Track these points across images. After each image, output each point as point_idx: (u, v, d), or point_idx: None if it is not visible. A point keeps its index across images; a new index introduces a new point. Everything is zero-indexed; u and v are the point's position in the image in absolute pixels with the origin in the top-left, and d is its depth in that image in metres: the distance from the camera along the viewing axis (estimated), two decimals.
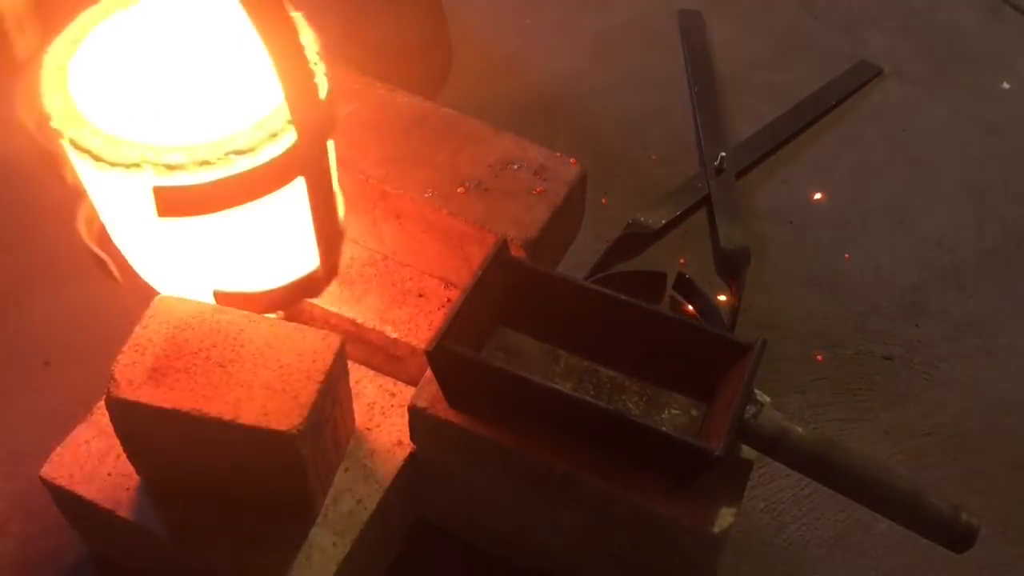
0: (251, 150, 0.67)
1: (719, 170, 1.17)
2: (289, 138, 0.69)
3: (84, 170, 0.70)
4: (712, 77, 1.31)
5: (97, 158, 0.65)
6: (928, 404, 1.00)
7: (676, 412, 0.72)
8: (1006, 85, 1.33)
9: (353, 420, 0.78)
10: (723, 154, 1.18)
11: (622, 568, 0.79)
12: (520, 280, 0.76)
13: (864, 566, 0.89)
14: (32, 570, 0.87)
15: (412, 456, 0.78)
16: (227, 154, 0.66)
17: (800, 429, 0.69)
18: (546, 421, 0.71)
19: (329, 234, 0.73)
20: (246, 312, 0.73)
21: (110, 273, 0.77)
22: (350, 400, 0.76)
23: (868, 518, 0.70)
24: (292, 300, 0.78)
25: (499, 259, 0.75)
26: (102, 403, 0.79)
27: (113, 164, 0.65)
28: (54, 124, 0.67)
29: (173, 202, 0.66)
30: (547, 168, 0.95)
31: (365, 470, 0.77)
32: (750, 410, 0.68)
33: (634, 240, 1.11)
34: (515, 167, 0.95)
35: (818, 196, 1.19)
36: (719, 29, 1.37)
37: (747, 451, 0.71)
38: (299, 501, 0.72)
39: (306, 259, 0.79)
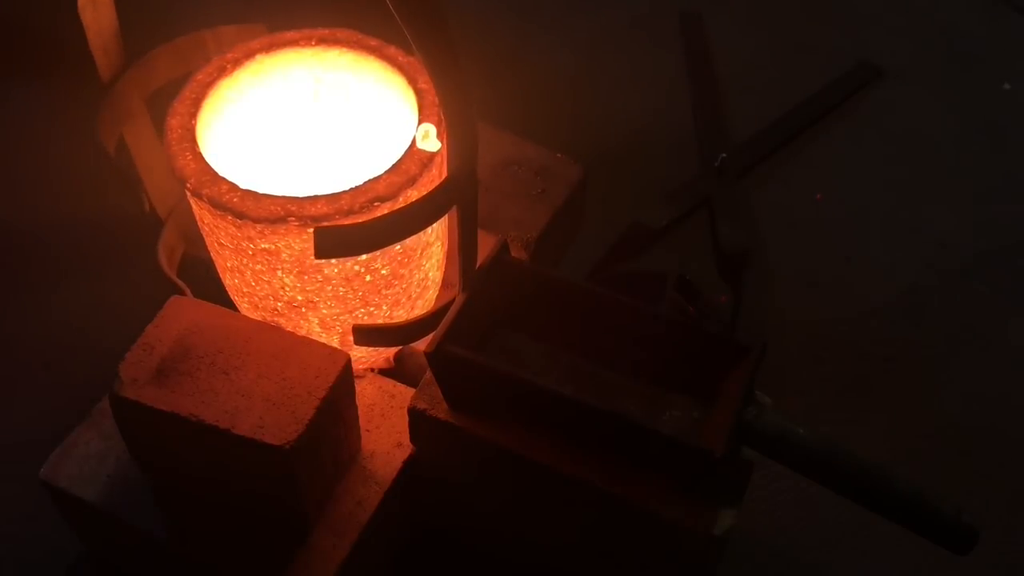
0: (392, 196, 0.68)
1: (719, 170, 1.17)
2: (424, 181, 0.70)
3: (222, 228, 0.70)
4: (712, 77, 1.31)
5: (240, 215, 0.66)
6: (929, 405, 1.00)
7: (677, 414, 0.72)
8: (1007, 86, 1.33)
9: (359, 437, 0.77)
10: (723, 154, 1.18)
11: (622, 569, 0.79)
12: (521, 281, 0.75)
13: (865, 568, 0.89)
14: (30, 571, 0.87)
15: (412, 458, 0.78)
16: (370, 201, 0.67)
17: (801, 430, 0.68)
18: (547, 423, 0.71)
19: (471, 263, 0.74)
20: (257, 320, 0.73)
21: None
22: (356, 418, 0.76)
23: (869, 519, 0.70)
24: (427, 331, 0.78)
25: (499, 260, 0.75)
26: (102, 404, 0.79)
27: (257, 220, 0.66)
28: (190, 185, 0.68)
29: (332, 243, 0.66)
30: (547, 168, 0.95)
31: (364, 472, 0.77)
32: (751, 411, 0.68)
33: (634, 241, 1.11)
34: (515, 167, 0.95)
35: (818, 196, 1.19)
36: (719, 29, 1.37)
37: (748, 452, 0.71)
38: (291, 514, 0.72)
39: (432, 291, 0.81)
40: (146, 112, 0.82)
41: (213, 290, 0.79)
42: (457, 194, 0.68)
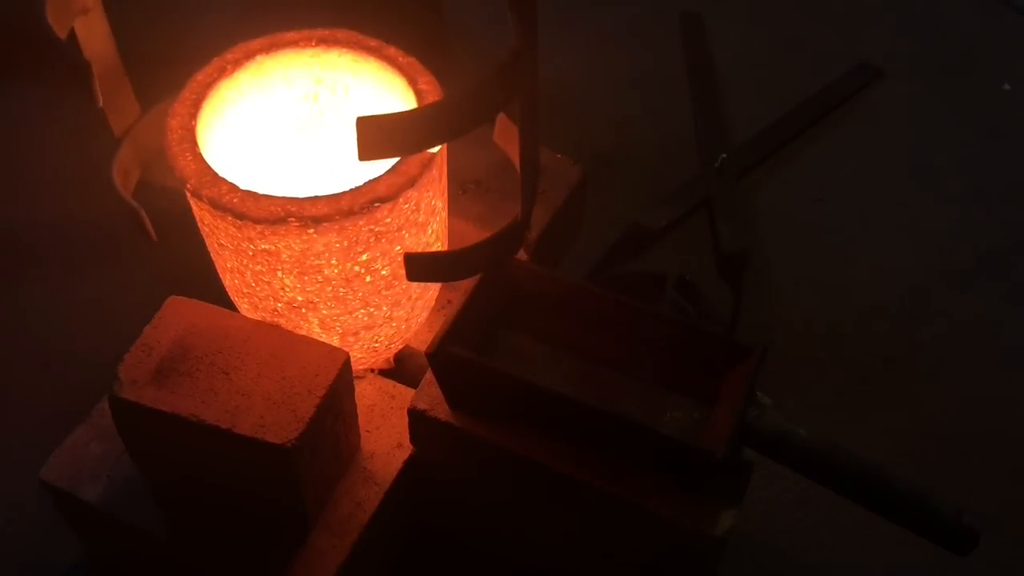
0: (393, 197, 0.67)
1: (719, 171, 1.17)
2: (424, 182, 0.68)
3: (222, 228, 0.69)
4: (712, 77, 1.31)
5: (241, 216, 0.66)
6: (929, 406, 1.00)
7: (678, 415, 0.72)
8: (1007, 86, 1.33)
9: (358, 435, 0.77)
10: (724, 155, 1.18)
11: (622, 570, 0.79)
12: (521, 282, 0.75)
13: (865, 568, 0.89)
14: (30, 571, 0.87)
15: (412, 458, 0.78)
16: (371, 202, 0.67)
17: (802, 431, 0.68)
18: (548, 424, 0.71)
19: (535, 170, 0.67)
20: (256, 319, 0.73)
21: (145, 229, 0.75)
22: (355, 415, 0.76)
23: (869, 519, 0.70)
24: (492, 259, 0.72)
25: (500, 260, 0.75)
26: (101, 405, 0.79)
27: (257, 221, 0.66)
28: (190, 186, 0.67)
29: (377, 136, 0.60)
30: (547, 169, 0.95)
31: (364, 472, 0.77)
32: (752, 412, 0.68)
33: (634, 241, 1.11)
34: (515, 169, 0.95)
35: (819, 197, 1.19)
36: (719, 29, 1.37)
37: (748, 453, 0.71)
38: (291, 514, 0.72)
39: (432, 292, 0.78)
40: (101, 8, 0.76)
41: (213, 291, 0.79)
42: (522, 81, 0.61)
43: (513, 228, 0.70)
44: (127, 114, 0.79)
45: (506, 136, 0.72)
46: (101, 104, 0.74)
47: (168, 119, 0.71)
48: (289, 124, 0.80)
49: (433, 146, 0.64)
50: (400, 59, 0.76)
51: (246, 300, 0.76)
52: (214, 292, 0.78)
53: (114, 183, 0.76)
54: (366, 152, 0.59)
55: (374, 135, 0.59)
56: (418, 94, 0.73)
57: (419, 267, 0.69)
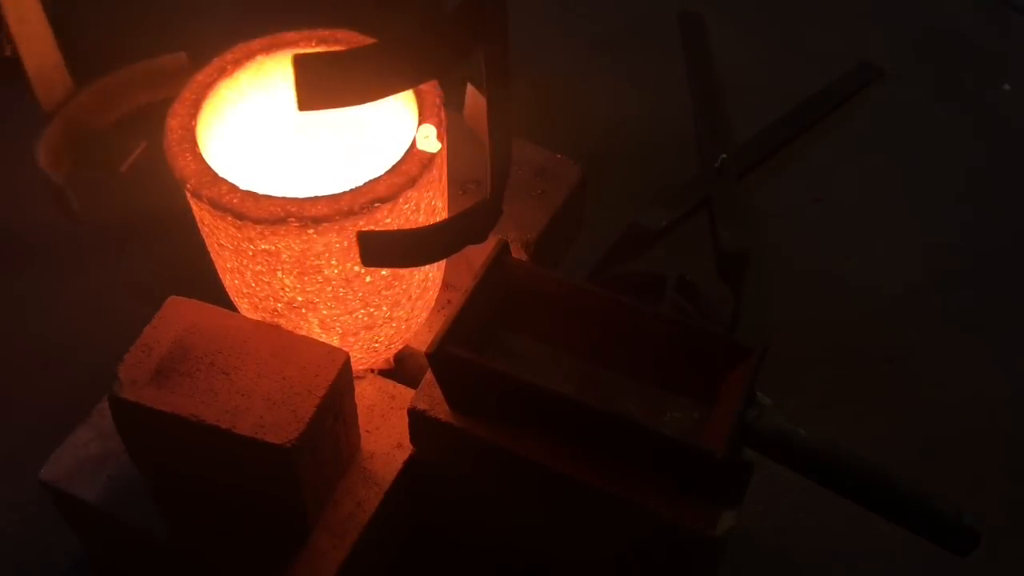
0: (393, 197, 0.67)
1: (719, 171, 1.17)
2: (424, 182, 0.67)
3: (222, 229, 0.69)
4: (712, 78, 1.31)
5: (240, 216, 0.66)
6: (929, 406, 1.00)
7: (678, 415, 0.72)
8: (1007, 86, 1.33)
9: (358, 435, 0.77)
10: (724, 155, 1.18)
11: (622, 569, 0.79)
12: (521, 282, 0.75)
13: (866, 569, 0.89)
14: (30, 572, 0.87)
15: (412, 459, 0.78)
16: (370, 202, 0.66)
17: (802, 431, 0.68)
18: (548, 424, 0.71)
19: (505, 145, 0.61)
20: (256, 319, 0.73)
21: (70, 207, 0.72)
22: (355, 416, 0.76)
23: (869, 519, 0.70)
24: (457, 243, 0.68)
25: (499, 261, 0.75)
26: (101, 405, 0.79)
27: (257, 221, 0.66)
28: (190, 186, 0.67)
29: (320, 83, 0.53)
30: (547, 170, 0.95)
31: (364, 473, 0.77)
32: (752, 412, 0.68)
33: (635, 241, 1.11)
34: (515, 168, 0.95)
35: (819, 197, 1.19)
36: (719, 30, 1.37)
37: (748, 453, 0.71)
38: (291, 514, 0.72)
39: (432, 292, 0.77)
40: None
41: (213, 291, 0.79)
42: (483, 27, 0.55)
43: (479, 209, 0.66)
44: (57, 87, 0.74)
45: (477, 113, 0.68)
46: (8, 53, 0.69)
47: (168, 119, 0.71)
48: (289, 124, 0.80)
49: (384, 95, 0.57)
50: None
51: (246, 300, 0.76)
52: (214, 292, 0.78)
53: (38, 160, 0.72)
54: (307, 100, 0.52)
55: (315, 79, 0.52)
56: (418, 94, 0.73)
57: (375, 248, 0.65)
